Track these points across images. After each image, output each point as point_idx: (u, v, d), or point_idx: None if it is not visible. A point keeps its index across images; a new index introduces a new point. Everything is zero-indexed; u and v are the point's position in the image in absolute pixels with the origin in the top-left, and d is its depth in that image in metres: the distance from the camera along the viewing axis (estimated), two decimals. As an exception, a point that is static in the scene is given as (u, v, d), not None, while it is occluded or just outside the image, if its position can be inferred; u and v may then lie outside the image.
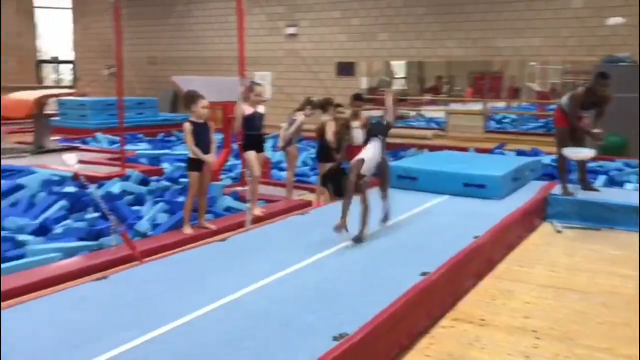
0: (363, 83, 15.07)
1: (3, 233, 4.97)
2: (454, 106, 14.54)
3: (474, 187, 6.13)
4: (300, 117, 6.72)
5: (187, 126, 5.09)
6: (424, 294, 3.49)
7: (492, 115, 14.30)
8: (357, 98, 7.19)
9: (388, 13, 14.11)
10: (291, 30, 15.47)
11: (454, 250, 4.18)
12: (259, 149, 6.16)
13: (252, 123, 6.03)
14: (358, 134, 7.02)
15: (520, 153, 9.97)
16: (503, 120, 14.53)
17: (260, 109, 6.09)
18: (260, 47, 15.74)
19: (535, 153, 9.88)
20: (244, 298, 3.37)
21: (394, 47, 14.18)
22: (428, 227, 5.04)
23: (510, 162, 7.29)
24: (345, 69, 14.76)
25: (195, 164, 5.12)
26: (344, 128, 6.89)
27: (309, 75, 15.11)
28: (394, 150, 11.41)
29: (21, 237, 4.89)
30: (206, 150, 5.16)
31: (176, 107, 16.47)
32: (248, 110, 6.00)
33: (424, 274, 3.70)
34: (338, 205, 5.95)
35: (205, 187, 5.29)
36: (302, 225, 5.10)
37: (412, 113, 15.69)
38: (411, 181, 6.50)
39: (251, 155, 6.00)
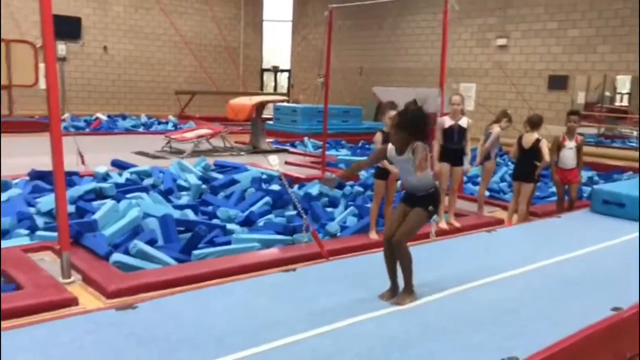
0: (579, 97, 14.02)
1: (216, 221, 5.65)
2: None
3: (694, 220, 5.41)
4: (496, 129, 6.46)
5: (378, 136, 5.28)
6: (611, 331, 3.21)
7: None
8: (574, 113, 6.65)
9: (613, 23, 12.96)
10: (501, 41, 15.00)
11: (656, 288, 3.76)
12: (455, 162, 6.06)
13: (450, 135, 5.96)
14: (569, 155, 6.53)
15: None
16: None
17: (463, 121, 5.98)
18: (468, 59, 15.54)
19: None
20: (418, 308, 3.44)
21: (616, 60, 13.00)
22: (630, 259, 4.57)
23: None
24: (557, 82, 13.88)
25: (381, 173, 5.29)
26: (555, 147, 6.43)
27: (516, 88, 14.53)
28: (607, 172, 10.49)
29: (230, 226, 5.51)
30: (395, 160, 5.28)
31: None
32: (448, 122, 5.96)
33: (615, 309, 3.40)
34: (530, 226, 5.71)
35: (391, 196, 5.41)
36: (488, 243, 4.97)
37: (634, 133, 14.21)
38: (618, 208, 5.94)
39: (443, 168, 5.95)
